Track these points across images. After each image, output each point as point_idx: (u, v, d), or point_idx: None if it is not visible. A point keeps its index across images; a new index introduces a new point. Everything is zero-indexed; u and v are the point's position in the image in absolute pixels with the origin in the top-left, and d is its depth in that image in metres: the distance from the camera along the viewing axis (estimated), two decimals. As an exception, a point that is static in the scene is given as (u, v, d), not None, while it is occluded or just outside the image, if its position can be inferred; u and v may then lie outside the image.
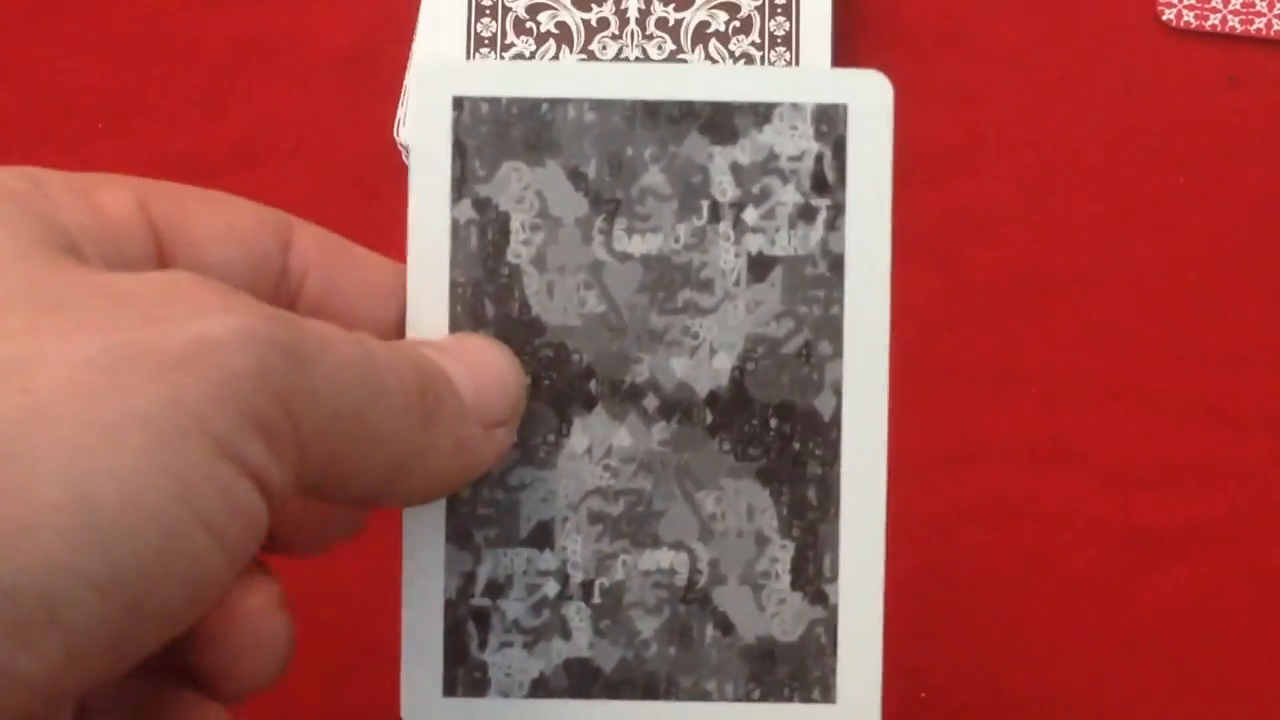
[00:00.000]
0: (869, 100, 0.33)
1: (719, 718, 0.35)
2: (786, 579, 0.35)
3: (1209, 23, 0.48)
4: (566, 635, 0.35)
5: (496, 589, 0.35)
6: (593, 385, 0.34)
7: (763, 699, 0.35)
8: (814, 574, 0.35)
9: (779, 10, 0.48)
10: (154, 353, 0.25)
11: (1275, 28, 0.48)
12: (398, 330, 0.33)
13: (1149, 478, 0.47)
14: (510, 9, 0.49)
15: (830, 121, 0.33)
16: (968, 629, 0.48)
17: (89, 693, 0.29)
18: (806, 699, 0.35)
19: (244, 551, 0.26)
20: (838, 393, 0.34)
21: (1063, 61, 0.48)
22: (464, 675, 0.35)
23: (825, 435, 0.34)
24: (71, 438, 0.24)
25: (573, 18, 0.49)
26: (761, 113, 0.33)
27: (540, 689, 0.35)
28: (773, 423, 0.34)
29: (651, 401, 0.34)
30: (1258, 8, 0.48)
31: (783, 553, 0.35)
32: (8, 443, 0.24)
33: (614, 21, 0.49)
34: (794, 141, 0.33)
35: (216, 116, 0.50)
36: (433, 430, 0.30)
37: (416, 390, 0.29)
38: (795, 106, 0.33)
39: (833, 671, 0.35)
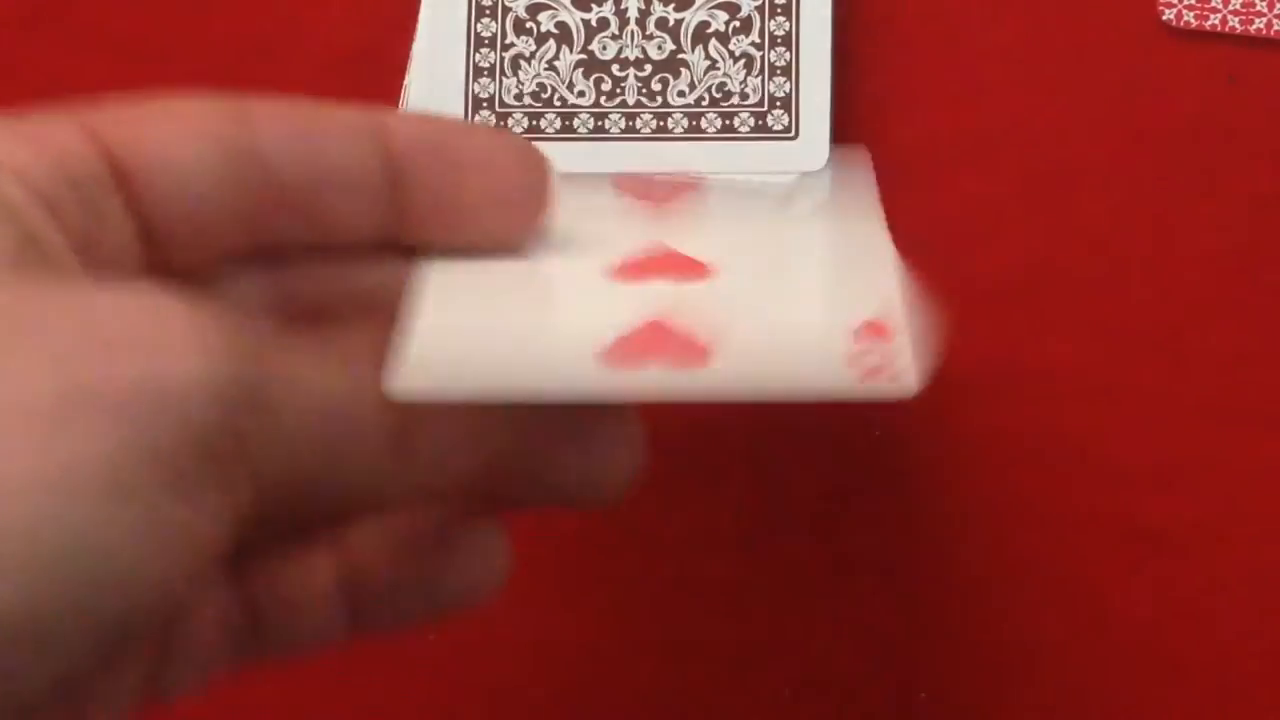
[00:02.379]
0: None
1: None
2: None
3: (1209, 23, 0.48)
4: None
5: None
6: None
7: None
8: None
9: (779, 10, 0.48)
10: (113, 393, 0.25)
11: (1275, 28, 0.48)
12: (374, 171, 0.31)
13: (1149, 478, 0.47)
14: (510, 9, 0.49)
15: None
16: (968, 629, 0.48)
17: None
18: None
19: (203, 575, 0.27)
20: None
21: (1062, 61, 0.48)
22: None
23: None
24: (27, 484, 0.24)
25: (573, 18, 0.49)
26: None
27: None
28: None
29: None
30: (1258, 8, 0.48)
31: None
32: None
33: (614, 21, 0.49)
34: None
35: (216, 116, 0.50)
36: (410, 459, 0.29)
37: (383, 422, 0.29)
38: None
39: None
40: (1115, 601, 0.47)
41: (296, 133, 0.31)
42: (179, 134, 0.30)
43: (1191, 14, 0.48)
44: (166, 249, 0.30)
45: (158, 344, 0.25)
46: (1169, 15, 0.48)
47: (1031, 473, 0.48)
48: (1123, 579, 0.47)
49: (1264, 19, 0.48)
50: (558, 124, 0.47)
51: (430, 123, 0.34)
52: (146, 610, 0.26)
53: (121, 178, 0.29)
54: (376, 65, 0.50)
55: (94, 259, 0.28)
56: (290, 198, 0.31)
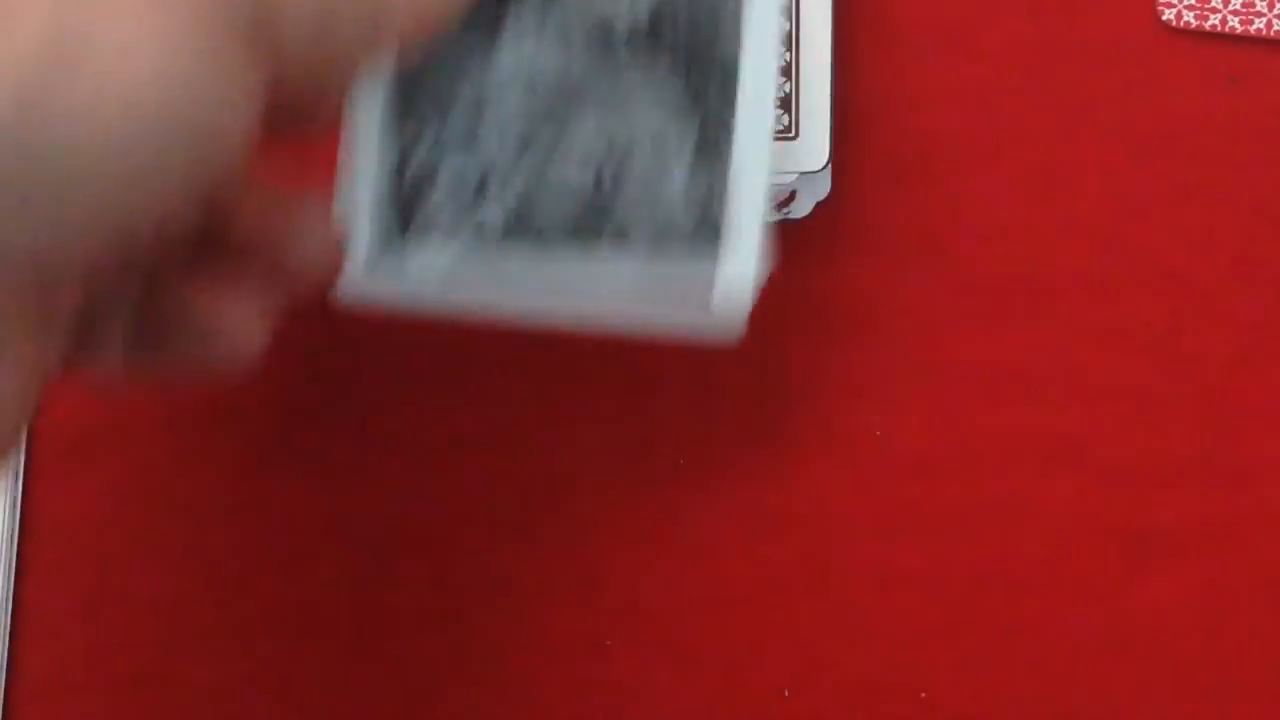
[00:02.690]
0: None
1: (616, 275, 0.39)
2: (685, 172, 0.39)
3: (1209, 23, 0.48)
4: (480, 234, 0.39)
5: (419, 184, 0.39)
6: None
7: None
8: (711, 160, 0.39)
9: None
10: None
11: (1275, 28, 0.48)
12: None
13: (1149, 478, 0.47)
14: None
15: None
16: (968, 629, 0.48)
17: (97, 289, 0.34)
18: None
19: (253, 125, 0.31)
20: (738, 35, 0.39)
21: (1062, 61, 0.48)
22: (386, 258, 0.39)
23: (727, 72, 0.39)
24: (143, 31, 0.28)
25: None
26: None
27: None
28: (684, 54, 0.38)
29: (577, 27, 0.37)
30: (1258, 8, 0.48)
31: (683, 145, 0.39)
32: (88, 28, 0.27)
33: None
34: None
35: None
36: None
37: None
38: None
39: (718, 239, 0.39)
40: (1115, 601, 0.47)
41: None
42: None
43: (1191, 14, 0.48)
44: None
45: None
46: (1169, 15, 0.48)
47: (1032, 473, 0.48)
48: (1123, 579, 0.47)
49: (1264, 19, 0.48)
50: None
51: None
52: (221, 170, 0.30)
53: None
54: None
55: None
56: None
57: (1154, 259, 0.48)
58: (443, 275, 0.39)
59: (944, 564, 0.47)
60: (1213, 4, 0.48)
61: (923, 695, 0.47)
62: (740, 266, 0.38)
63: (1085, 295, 0.48)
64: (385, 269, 0.39)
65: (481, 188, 0.38)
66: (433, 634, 0.48)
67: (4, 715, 0.48)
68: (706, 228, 0.39)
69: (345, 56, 0.33)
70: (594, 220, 0.39)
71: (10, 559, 0.48)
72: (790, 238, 0.47)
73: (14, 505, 0.48)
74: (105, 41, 0.27)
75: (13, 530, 0.48)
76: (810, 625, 0.48)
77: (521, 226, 0.39)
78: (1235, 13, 0.48)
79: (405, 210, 0.39)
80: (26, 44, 0.27)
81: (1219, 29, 0.48)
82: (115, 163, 0.28)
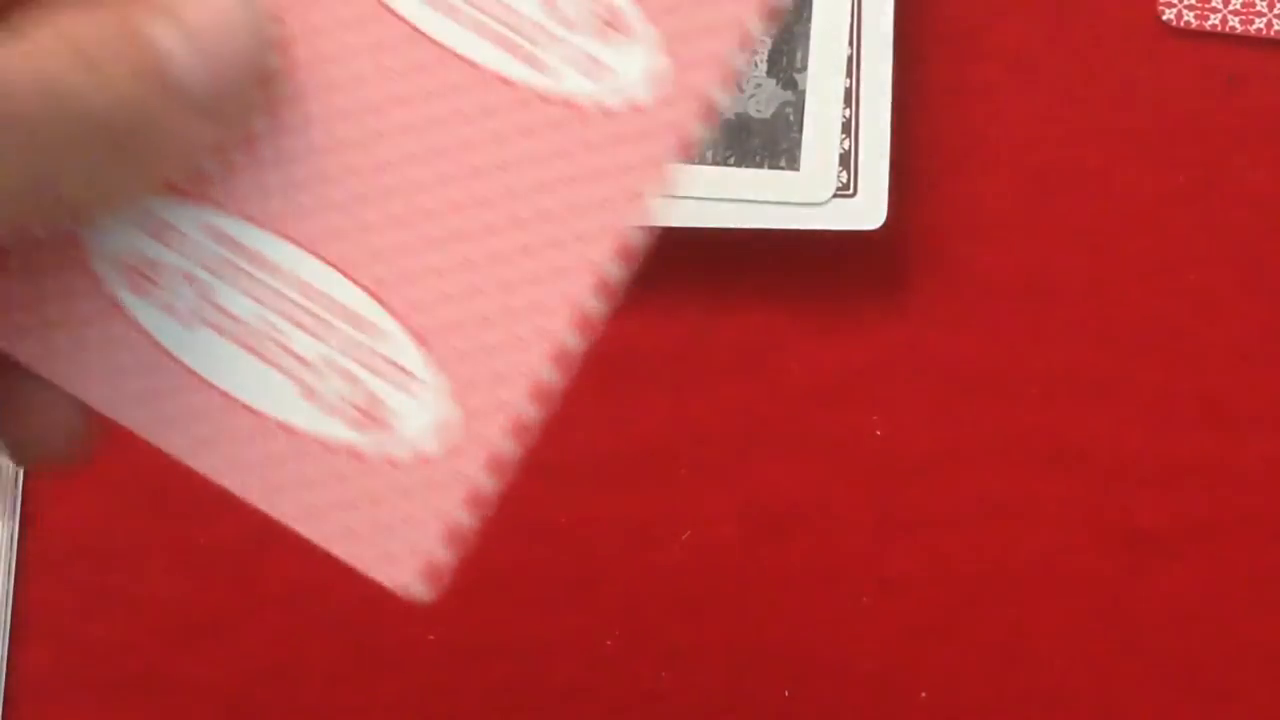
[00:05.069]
0: None
1: (701, 177, 0.39)
2: (763, 68, 0.41)
3: (1209, 23, 0.48)
4: None
5: None
6: None
7: (738, 164, 0.40)
8: (786, 65, 0.42)
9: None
10: None
11: (1275, 28, 0.48)
12: None
13: (1149, 478, 0.47)
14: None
15: None
16: (968, 629, 0.48)
17: None
18: (774, 166, 0.41)
19: None
20: None
21: (1063, 61, 0.48)
22: None
23: None
24: None
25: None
26: None
27: None
28: None
29: None
30: (1258, 8, 0.48)
31: (761, 46, 0.41)
32: None
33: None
34: None
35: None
36: (134, 162, 0.27)
37: (115, 127, 0.26)
38: None
39: (798, 145, 0.41)
40: (1115, 601, 0.47)
41: None
42: None
43: (1191, 14, 0.48)
44: None
45: None
46: (1169, 15, 0.48)
47: (1032, 473, 0.48)
48: (1123, 579, 0.47)
49: (1264, 19, 0.48)
50: None
51: None
52: None
53: None
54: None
55: None
56: None
57: (1154, 259, 0.48)
58: None
59: (944, 564, 0.47)
60: (1213, 4, 0.48)
61: (923, 695, 0.47)
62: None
63: (1085, 295, 0.48)
64: None
65: None
66: (433, 633, 0.48)
67: (4, 715, 0.48)
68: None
69: (89, 202, 0.28)
70: None
71: (10, 559, 0.48)
72: (790, 237, 0.47)
73: (14, 505, 0.48)
74: None
75: (13, 530, 0.48)
76: (810, 625, 0.48)
77: None
78: (1235, 13, 0.48)
79: None
80: None
81: (1219, 29, 0.48)
82: None
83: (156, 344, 0.28)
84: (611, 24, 0.29)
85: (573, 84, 0.29)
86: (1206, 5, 0.48)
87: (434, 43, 0.28)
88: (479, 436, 0.29)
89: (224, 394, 0.29)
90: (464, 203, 0.28)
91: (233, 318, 0.28)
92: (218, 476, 0.29)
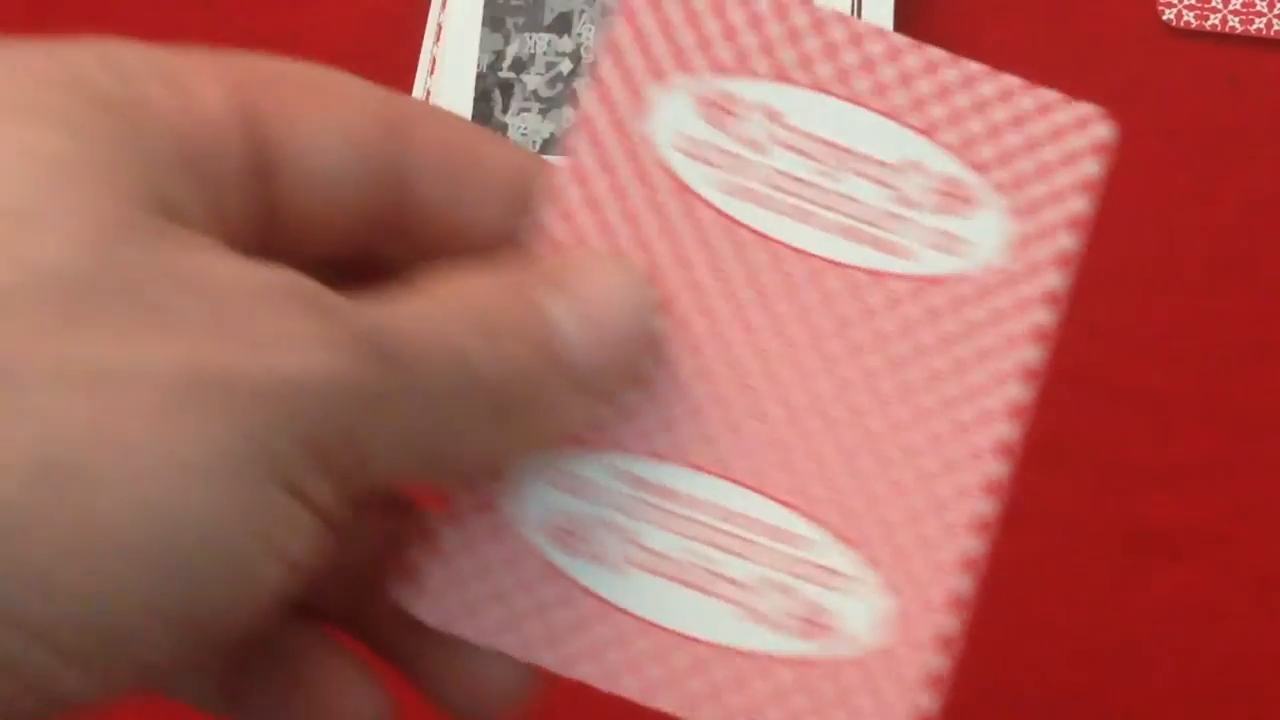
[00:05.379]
0: None
1: None
2: None
3: (1209, 23, 0.48)
4: (575, 103, 0.39)
5: (521, 65, 0.42)
6: None
7: None
8: None
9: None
10: (236, 382, 0.24)
11: (1275, 28, 0.48)
12: (516, 232, 0.29)
13: (1149, 478, 0.47)
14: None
15: None
16: (968, 629, 0.48)
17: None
18: None
19: (308, 569, 0.26)
20: None
21: (1063, 61, 0.48)
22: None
23: None
24: (147, 464, 0.23)
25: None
26: None
27: (550, 148, 0.42)
28: None
29: None
30: (1258, 8, 0.48)
31: None
32: (82, 460, 0.23)
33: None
34: None
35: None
36: (517, 432, 0.28)
37: (506, 397, 0.27)
38: None
39: None
40: (1115, 601, 0.47)
41: (449, 166, 0.29)
42: (331, 127, 0.28)
43: (1191, 14, 0.48)
44: (277, 233, 0.28)
45: (286, 331, 0.25)
46: (1169, 15, 0.48)
47: (1032, 473, 0.48)
48: (1123, 579, 0.47)
49: (1264, 19, 0.48)
50: None
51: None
52: (252, 609, 0.25)
53: (260, 151, 0.27)
54: (378, 66, 0.50)
55: (214, 226, 0.27)
56: (410, 219, 0.29)
57: (1154, 259, 0.48)
58: (539, 141, 0.42)
59: (944, 564, 0.48)
60: (1213, 4, 0.48)
61: (923, 695, 0.47)
62: None
63: (1085, 295, 0.48)
64: None
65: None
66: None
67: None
68: None
69: (470, 465, 0.28)
70: None
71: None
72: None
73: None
74: (99, 474, 0.23)
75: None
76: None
77: None
78: (1235, 13, 0.48)
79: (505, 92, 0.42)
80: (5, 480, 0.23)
81: (1219, 29, 0.48)
82: (90, 613, 0.23)
83: (595, 596, 0.29)
84: (953, 194, 0.29)
85: (936, 263, 0.29)
86: (1206, 5, 0.48)
87: (794, 250, 0.29)
88: (921, 620, 0.30)
89: (670, 631, 0.29)
90: (865, 406, 0.29)
91: (660, 555, 0.29)
92: (678, 711, 0.29)
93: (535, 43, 0.44)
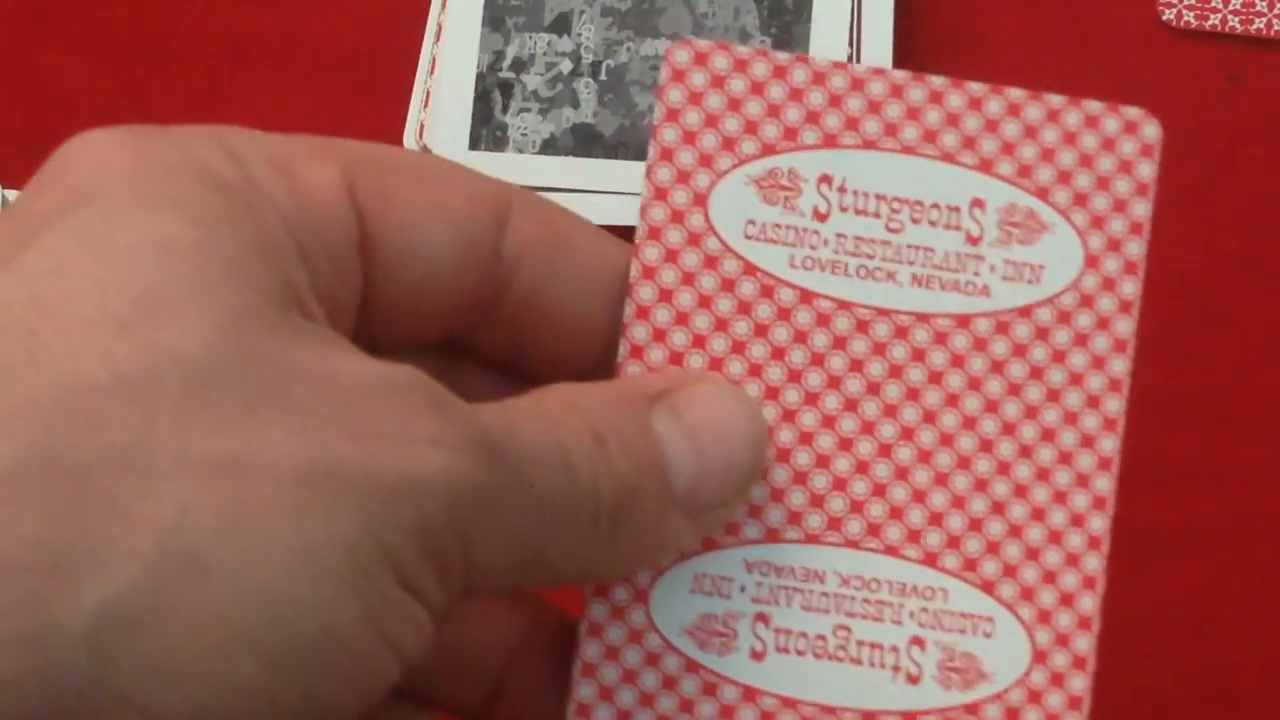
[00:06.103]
0: None
1: None
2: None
3: (1209, 23, 0.48)
4: (575, 105, 0.42)
5: (520, 65, 0.43)
6: None
7: None
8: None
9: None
10: (359, 479, 0.24)
11: (1275, 28, 0.48)
12: (610, 323, 0.30)
13: (1149, 478, 0.47)
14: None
15: None
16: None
17: None
18: None
19: (415, 660, 0.26)
20: None
21: (1063, 61, 0.48)
22: (487, 134, 0.44)
23: None
24: (274, 556, 0.24)
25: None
26: None
27: (550, 148, 0.43)
28: None
29: None
30: (1258, 8, 0.48)
31: (760, 45, 0.42)
32: (208, 548, 0.23)
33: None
34: None
35: (216, 117, 0.50)
36: (619, 544, 0.28)
37: (610, 507, 0.27)
38: None
39: None
40: (1115, 601, 0.47)
41: (544, 251, 0.29)
42: (430, 208, 0.28)
43: (1191, 14, 0.48)
44: (376, 315, 0.29)
45: (404, 432, 0.25)
46: (1169, 15, 0.48)
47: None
48: (1122, 579, 0.47)
49: (1264, 19, 0.48)
50: None
51: None
52: (363, 699, 0.25)
53: (366, 238, 0.28)
54: (378, 66, 0.50)
55: (324, 307, 0.27)
56: (503, 302, 0.29)
57: (1154, 259, 0.48)
58: (538, 141, 0.42)
59: (944, 564, 0.48)
60: (1213, 4, 0.48)
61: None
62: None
63: (1085, 295, 0.48)
64: (485, 143, 0.42)
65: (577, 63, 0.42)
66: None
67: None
68: None
69: (571, 572, 0.28)
70: None
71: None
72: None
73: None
74: (223, 563, 0.23)
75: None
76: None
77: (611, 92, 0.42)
78: (1235, 13, 0.48)
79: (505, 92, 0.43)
80: (125, 570, 0.23)
81: (1219, 29, 0.48)
82: (211, 702, 0.24)
83: (749, 688, 0.29)
84: (1020, 224, 0.29)
85: (1014, 295, 0.30)
86: (1206, 5, 0.48)
87: (876, 310, 0.29)
88: (1057, 648, 0.31)
89: (820, 705, 0.29)
90: (969, 451, 0.30)
91: (800, 635, 0.29)
92: None
93: (535, 43, 0.44)
